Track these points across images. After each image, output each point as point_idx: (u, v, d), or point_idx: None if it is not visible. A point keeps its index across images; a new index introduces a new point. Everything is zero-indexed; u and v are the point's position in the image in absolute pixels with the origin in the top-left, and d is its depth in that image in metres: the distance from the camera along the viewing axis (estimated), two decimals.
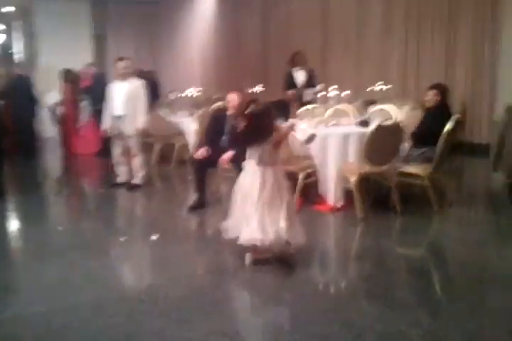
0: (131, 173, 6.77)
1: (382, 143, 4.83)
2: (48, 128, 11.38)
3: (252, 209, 3.63)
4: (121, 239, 4.63)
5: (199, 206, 5.48)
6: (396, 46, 9.54)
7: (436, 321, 2.98)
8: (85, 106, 9.44)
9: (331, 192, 5.33)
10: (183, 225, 5.19)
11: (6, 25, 13.50)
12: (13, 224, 5.49)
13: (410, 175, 5.13)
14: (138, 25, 14.23)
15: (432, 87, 5.40)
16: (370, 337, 2.81)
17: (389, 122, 4.95)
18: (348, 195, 5.29)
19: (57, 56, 11.72)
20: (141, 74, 12.03)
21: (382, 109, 6.18)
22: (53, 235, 4.94)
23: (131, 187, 6.64)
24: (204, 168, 5.50)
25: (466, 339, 2.77)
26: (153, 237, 4.63)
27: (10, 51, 13.59)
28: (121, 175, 6.83)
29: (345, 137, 5.32)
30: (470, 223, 5.13)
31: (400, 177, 5.16)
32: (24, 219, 5.70)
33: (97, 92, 8.42)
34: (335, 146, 5.28)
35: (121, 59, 6.58)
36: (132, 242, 4.63)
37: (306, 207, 5.39)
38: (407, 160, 5.20)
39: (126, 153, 6.73)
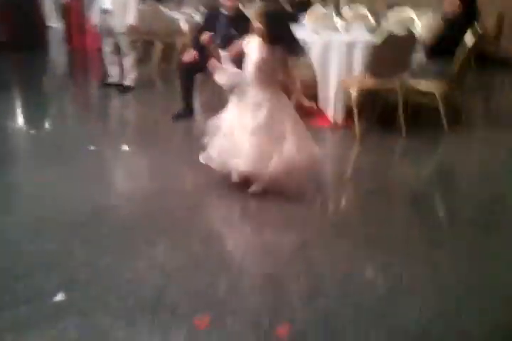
0: (122, 74, 6.25)
1: (389, 53, 4.18)
2: (52, 18, 10.80)
3: (245, 138, 3.17)
4: (92, 148, 4.22)
5: (186, 115, 5.02)
6: None
7: (410, 266, 2.56)
8: None
9: (331, 107, 4.79)
10: (164, 135, 4.73)
11: None
12: None
13: (421, 92, 4.52)
14: None
15: None
16: (328, 279, 2.43)
17: (401, 31, 4.24)
18: (351, 110, 4.75)
19: None
20: None
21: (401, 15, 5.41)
22: (23, 138, 4.57)
23: (122, 89, 6.16)
24: (192, 74, 4.96)
25: (433, 293, 2.37)
26: (125, 147, 4.23)
27: None
28: (113, 75, 6.32)
29: (351, 45, 4.65)
30: (485, 148, 4.50)
31: (410, 93, 4.55)
32: None
33: None
34: (338, 55, 4.65)
35: None
36: (102, 152, 4.22)
37: (302, 121, 4.89)
38: (419, 74, 4.55)
39: (117, 51, 6.17)
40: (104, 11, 5.87)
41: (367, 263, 2.60)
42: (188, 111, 5.02)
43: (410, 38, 4.28)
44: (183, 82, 5.02)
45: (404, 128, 4.49)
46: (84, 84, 7.23)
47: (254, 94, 3.19)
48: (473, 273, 2.53)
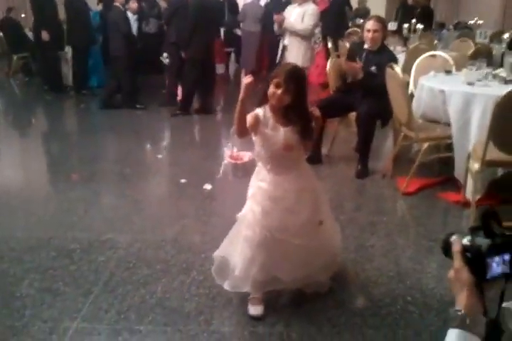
0: None
1: None
2: None
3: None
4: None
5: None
6: None
7: None
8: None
9: (464, 178, 3.64)
10: None
11: None
12: None
13: None
14: None
15: None
16: None
17: None
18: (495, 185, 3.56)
19: None
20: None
21: None
22: None
23: None
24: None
25: None
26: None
27: None
28: None
29: None
30: None
31: None
32: None
33: (329, 19, 7.65)
34: (482, 111, 3.50)
35: None
36: None
37: (430, 191, 3.86)
38: None
39: None
40: (284, 47, 5.72)
41: None
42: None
43: None
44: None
45: None
46: None
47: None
48: None
